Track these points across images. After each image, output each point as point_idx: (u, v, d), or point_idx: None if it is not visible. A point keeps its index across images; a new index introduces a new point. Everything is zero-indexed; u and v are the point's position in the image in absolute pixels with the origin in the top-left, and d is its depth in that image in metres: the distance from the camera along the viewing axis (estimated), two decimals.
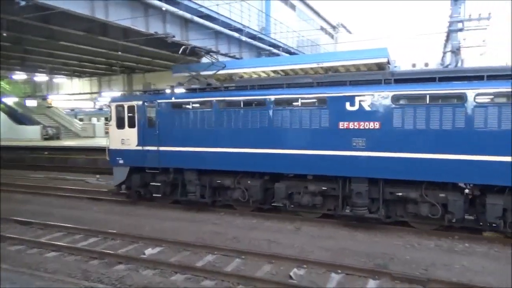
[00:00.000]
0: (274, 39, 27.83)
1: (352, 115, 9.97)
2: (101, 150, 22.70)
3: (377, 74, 10.46)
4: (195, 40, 19.94)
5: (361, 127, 9.91)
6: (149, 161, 12.77)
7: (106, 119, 36.25)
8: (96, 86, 36.06)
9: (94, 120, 50.81)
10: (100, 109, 46.77)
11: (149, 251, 9.06)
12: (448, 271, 7.74)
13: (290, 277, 7.49)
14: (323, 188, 10.77)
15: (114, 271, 7.86)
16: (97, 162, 23.52)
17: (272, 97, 10.98)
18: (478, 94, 8.81)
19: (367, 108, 9.82)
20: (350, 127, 10.01)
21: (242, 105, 11.38)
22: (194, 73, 14.03)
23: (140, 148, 12.87)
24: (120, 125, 13.27)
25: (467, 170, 8.96)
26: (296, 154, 10.71)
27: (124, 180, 13.50)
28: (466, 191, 9.72)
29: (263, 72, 23.19)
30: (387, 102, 9.62)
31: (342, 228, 10.56)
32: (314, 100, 10.53)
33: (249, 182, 11.71)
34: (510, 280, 7.28)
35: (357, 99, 9.93)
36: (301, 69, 22.19)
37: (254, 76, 24.26)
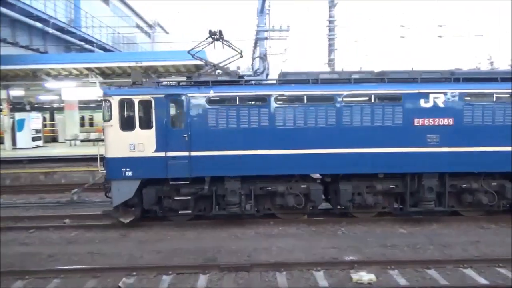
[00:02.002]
0: (86, 34, 25.67)
1: (427, 112, 10.24)
2: None
3: (437, 73, 10.90)
4: None
5: (435, 124, 10.26)
6: (175, 171, 10.13)
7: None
8: None
9: None
10: None
11: None
12: (267, 254, 8.67)
13: None
14: (391, 186, 10.62)
15: None
16: None
17: (342, 93, 10.25)
18: None
19: (441, 105, 10.25)
20: (426, 124, 10.25)
21: (305, 101, 10.24)
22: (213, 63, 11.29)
23: (160, 154, 10.13)
24: (127, 125, 10.19)
25: None
26: (368, 153, 10.29)
27: (130, 197, 10.37)
28: None
29: (75, 69, 21.16)
30: (459, 99, 10.29)
31: (172, 229, 10.58)
32: (388, 96, 10.38)
33: (306, 186, 10.57)
34: (314, 253, 8.66)
35: (431, 96, 10.25)
36: (119, 67, 21.17)
37: (64, 73, 21.92)
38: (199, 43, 11.45)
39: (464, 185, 10.69)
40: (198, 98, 10.24)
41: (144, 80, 11.04)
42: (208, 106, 10.23)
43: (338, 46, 17.23)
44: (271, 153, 10.28)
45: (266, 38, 22.10)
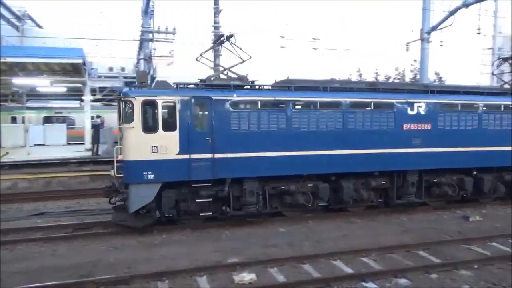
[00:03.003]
0: None
1: (412, 118, 12.02)
2: None
3: (413, 85, 13.49)
4: None
5: (418, 128, 12.06)
6: (199, 173, 10.16)
7: None
8: None
9: None
10: None
11: None
12: (149, 264, 8.34)
13: None
14: (382, 182, 12.09)
15: None
16: None
17: (349, 100, 11.45)
18: (485, 105, 12.77)
19: (422, 113, 12.10)
20: (411, 128, 11.98)
21: (318, 107, 11.22)
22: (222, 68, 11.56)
23: (184, 156, 10.07)
24: (150, 127, 9.92)
25: (493, 157, 12.95)
26: (368, 153, 11.64)
27: (150, 202, 10.05)
28: (474, 173, 13.07)
29: None
30: (435, 108, 12.24)
31: (42, 245, 9.52)
32: (384, 104, 11.84)
33: (314, 184, 11.45)
34: (198, 259, 8.62)
35: (415, 105, 12.04)
36: None
37: None
38: (211, 46, 11.65)
39: (436, 180, 12.75)
40: (222, 101, 10.42)
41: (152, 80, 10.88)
42: (231, 110, 10.49)
43: (223, 52, 17.47)
44: (288, 154, 10.98)
45: (152, 40, 21.40)
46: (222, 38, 11.63)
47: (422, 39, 19.05)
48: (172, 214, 10.60)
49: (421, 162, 12.29)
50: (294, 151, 11.01)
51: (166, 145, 10.00)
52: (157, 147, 9.94)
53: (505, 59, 16.42)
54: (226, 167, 10.46)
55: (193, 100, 10.21)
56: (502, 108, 13.21)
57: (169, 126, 10.06)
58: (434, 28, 18.89)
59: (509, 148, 13.13)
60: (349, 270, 8.05)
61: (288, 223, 11.34)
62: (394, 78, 50.63)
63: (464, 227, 11.12)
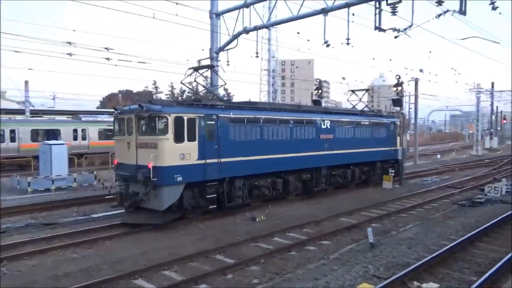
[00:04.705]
0: None
1: (324, 130, 17.56)
2: None
3: (320, 108, 21.01)
4: None
5: (327, 137, 17.64)
6: (211, 174, 12.92)
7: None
8: None
9: None
10: None
11: None
12: None
13: None
14: (308, 176, 17.08)
15: None
16: None
17: (293, 118, 16.36)
18: (355, 122, 19.74)
19: (328, 127, 17.77)
20: (324, 137, 17.51)
21: (277, 123, 15.51)
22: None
23: (201, 161, 12.68)
24: (179, 138, 12.15)
25: (360, 156, 19.59)
26: (304, 156, 16.49)
27: (176, 199, 12.26)
28: (351, 167, 19.37)
29: None
30: (334, 123, 18.09)
31: None
32: (311, 121, 17.12)
33: (272, 180, 15.47)
34: None
35: (325, 121, 17.63)
36: None
37: None
38: (199, 72, 15.17)
39: (333, 172, 18.35)
40: (224, 118, 13.45)
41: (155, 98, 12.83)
42: (230, 124, 13.61)
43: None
44: (262, 158, 14.70)
45: None
46: (206, 69, 15.30)
47: (211, 58, 20.59)
48: (188, 208, 12.69)
49: (329, 161, 17.88)
50: (265, 155, 14.83)
51: (190, 152, 12.39)
52: (184, 154, 12.23)
53: (352, 91, 23.14)
54: (227, 168, 13.42)
55: (206, 117, 12.88)
56: (363, 124, 20.19)
57: (191, 137, 12.48)
58: (221, 49, 20.67)
59: (367, 150, 20.04)
60: (151, 287, 7.91)
61: (82, 247, 10.32)
62: (188, 92, 53.22)
63: (252, 227, 12.53)
